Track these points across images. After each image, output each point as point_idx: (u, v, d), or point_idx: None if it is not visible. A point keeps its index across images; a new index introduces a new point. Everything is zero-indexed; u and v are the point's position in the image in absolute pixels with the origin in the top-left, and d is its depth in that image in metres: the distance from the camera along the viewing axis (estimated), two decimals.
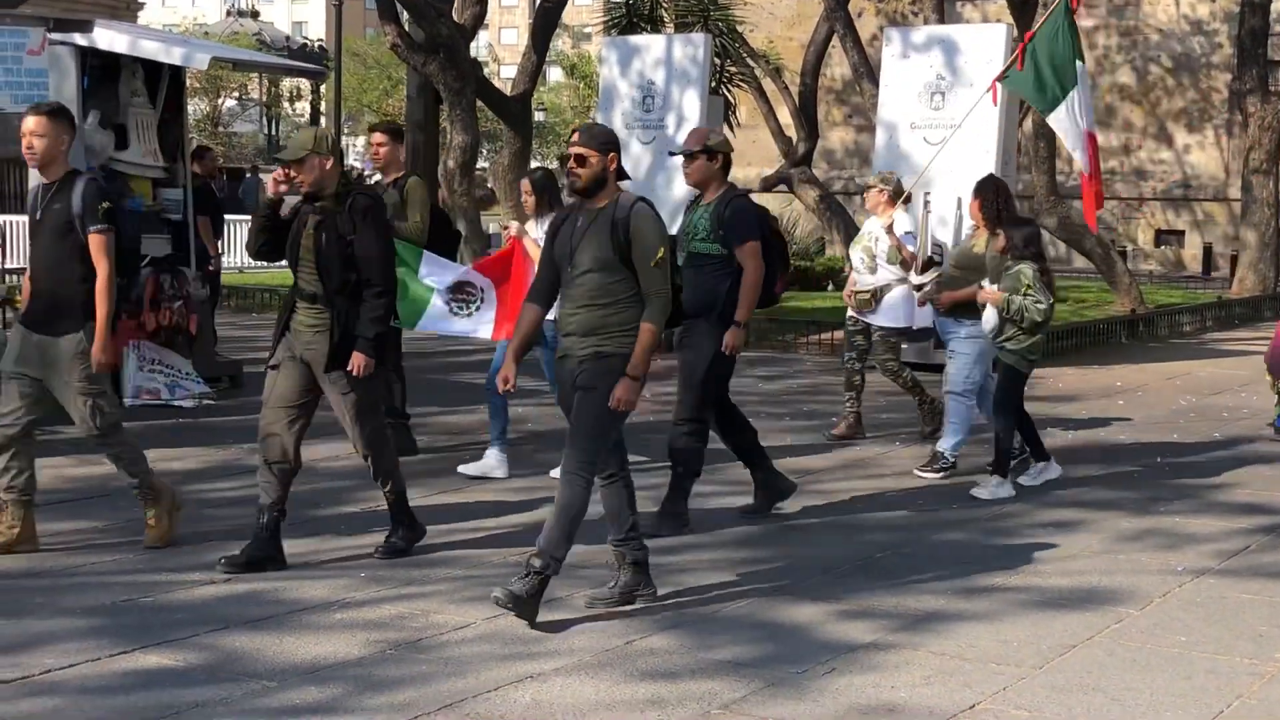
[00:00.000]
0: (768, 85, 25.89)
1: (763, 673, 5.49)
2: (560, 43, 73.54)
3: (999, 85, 10.92)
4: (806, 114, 23.84)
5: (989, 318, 8.70)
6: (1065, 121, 10.56)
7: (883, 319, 10.38)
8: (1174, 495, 8.78)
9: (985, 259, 8.97)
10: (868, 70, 19.19)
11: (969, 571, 6.98)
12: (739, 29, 25.53)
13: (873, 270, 10.39)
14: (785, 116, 25.15)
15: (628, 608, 6.24)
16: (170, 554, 7.02)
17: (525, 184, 9.15)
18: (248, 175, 38.32)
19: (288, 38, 64.17)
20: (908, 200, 10.56)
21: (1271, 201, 21.58)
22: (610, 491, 6.44)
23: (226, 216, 19.09)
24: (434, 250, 9.49)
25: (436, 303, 9.12)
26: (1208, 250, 30.05)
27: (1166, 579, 6.89)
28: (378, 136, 9.90)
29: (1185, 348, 16.88)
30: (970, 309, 8.92)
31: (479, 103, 20.59)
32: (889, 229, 10.30)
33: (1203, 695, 5.33)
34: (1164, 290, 23.40)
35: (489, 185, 27.95)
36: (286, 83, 57.20)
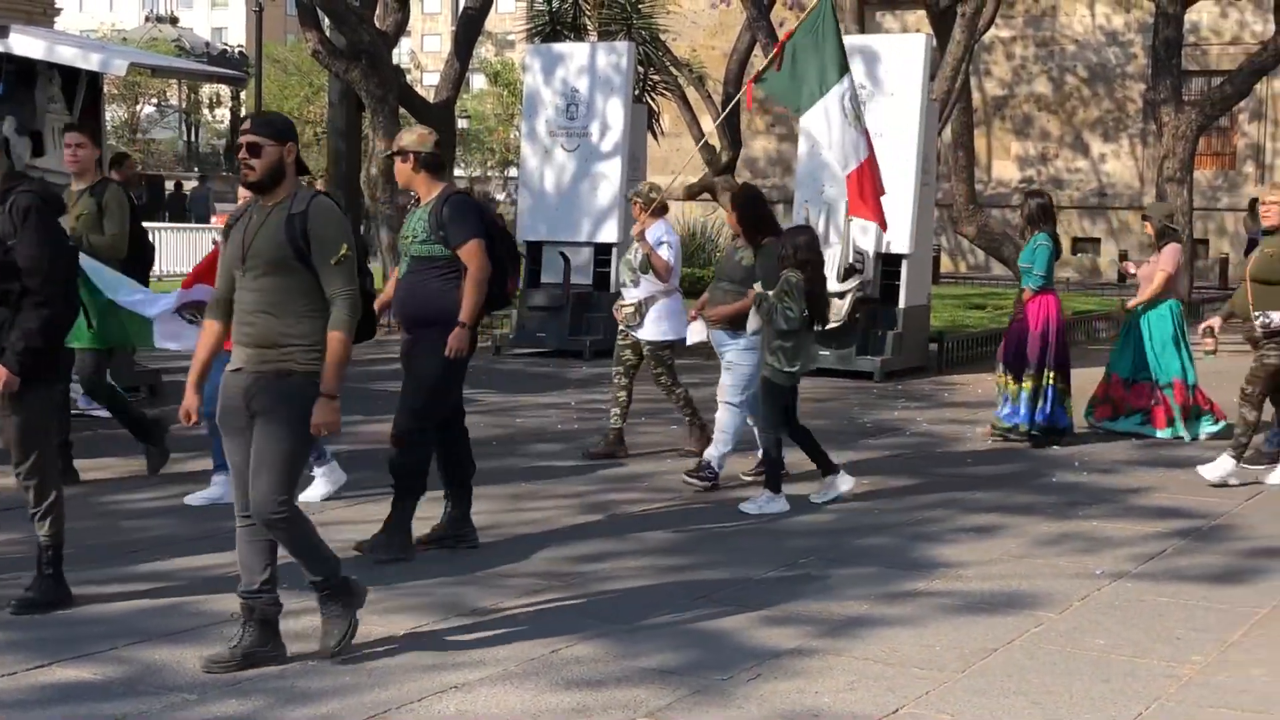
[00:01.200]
0: (691, 94, 25.98)
1: (688, 680, 5.50)
2: (484, 50, 73.38)
3: (754, 86, 11.04)
4: (730, 123, 23.95)
5: (751, 319, 8.64)
6: (824, 121, 10.63)
7: (650, 333, 9.85)
8: (1091, 499, 8.89)
9: (756, 269, 8.79)
10: None
11: (891, 576, 7.04)
12: (662, 37, 25.61)
13: (636, 283, 9.90)
14: (708, 125, 25.24)
15: (251, 671, 5.50)
16: (88, 566, 6.92)
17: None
18: (197, 184, 37.94)
19: (207, 43, 63.52)
20: (664, 210, 10.09)
21: (1185, 210, 21.91)
22: (249, 534, 5.67)
23: (145, 224, 18.88)
24: (128, 269, 9.03)
25: (164, 324, 8.57)
26: (1123, 257, 30.45)
27: (1085, 583, 6.97)
28: (74, 137, 9.23)
29: (1102, 354, 17.07)
30: (745, 320, 8.76)
31: (402, 110, 20.47)
32: (640, 236, 9.83)
33: (1121, 698, 5.40)
34: (1080, 297, 23.70)
35: (412, 193, 27.76)
36: (206, 89, 56.64)
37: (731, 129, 23.93)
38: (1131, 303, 11.33)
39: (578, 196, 15.69)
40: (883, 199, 10.85)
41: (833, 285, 13.72)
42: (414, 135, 7.37)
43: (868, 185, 10.62)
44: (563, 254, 15.46)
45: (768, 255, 8.77)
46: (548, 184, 15.85)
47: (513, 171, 54.74)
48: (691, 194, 24.87)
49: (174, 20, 63.23)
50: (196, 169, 52.25)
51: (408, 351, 7.33)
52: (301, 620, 6.16)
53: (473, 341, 7.24)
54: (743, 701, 5.29)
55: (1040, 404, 10.71)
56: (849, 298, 13.27)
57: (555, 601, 6.54)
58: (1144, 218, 11.62)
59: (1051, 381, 10.75)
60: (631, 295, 9.96)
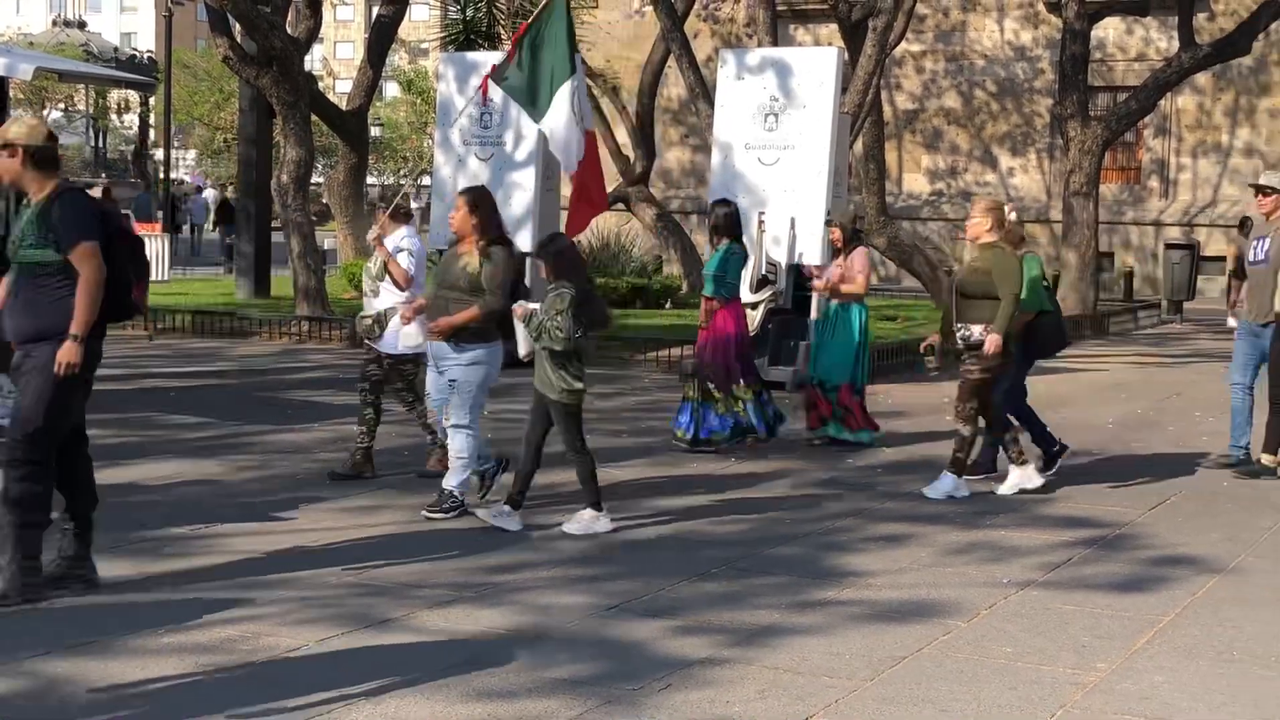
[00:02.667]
0: (605, 104, 26.01)
1: (599, 690, 5.50)
2: (397, 58, 72.99)
3: (490, 82, 11.18)
4: (643, 133, 24.01)
5: (522, 342, 8.16)
6: (556, 123, 10.74)
7: (390, 345, 9.25)
8: (999, 509, 8.99)
9: (482, 278, 8.24)
10: (703, 91, 19.38)
11: (802, 586, 7.08)
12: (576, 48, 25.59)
13: (376, 294, 9.42)
14: (623, 135, 25.29)
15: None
16: None
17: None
18: (200, 194, 37.54)
19: (116, 49, 62.67)
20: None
21: (1091, 223, 22.25)
22: None
23: None
24: None
25: None
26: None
27: (992, 591, 7.05)
28: None
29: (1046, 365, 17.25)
30: (472, 333, 8.25)
31: (314, 117, 20.34)
32: (377, 240, 9.34)
33: (1028, 705, 5.47)
34: None
35: (324, 200, 27.61)
36: (115, 94, 55.87)
37: (645, 139, 23.98)
38: (822, 287, 11.39)
39: None
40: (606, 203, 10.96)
41: (746, 296, 13.77)
42: (23, 127, 6.63)
43: (591, 185, 10.78)
44: None
45: (495, 261, 8.25)
46: None
47: (425, 180, 54.51)
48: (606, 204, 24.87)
49: (82, 25, 62.31)
50: (104, 175, 51.52)
51: (18, 367, 6.56)
52: (211, 631, 6.10)
53: (95, 355, 6.56)
54: (653, 711, 5.30)
55: (740, 411, 10.65)
56: (762, 308, 13.31)
57: (466, 612, 6.52)
58: (828, 223, 11.46)
59: (751, 391, 10.68)
60: (372, 306, 9.43)
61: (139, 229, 29.79)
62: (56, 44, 54.75)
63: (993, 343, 8.99)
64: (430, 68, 60.64)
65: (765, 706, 5.38)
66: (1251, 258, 10.47)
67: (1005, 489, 9.36)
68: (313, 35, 21.15)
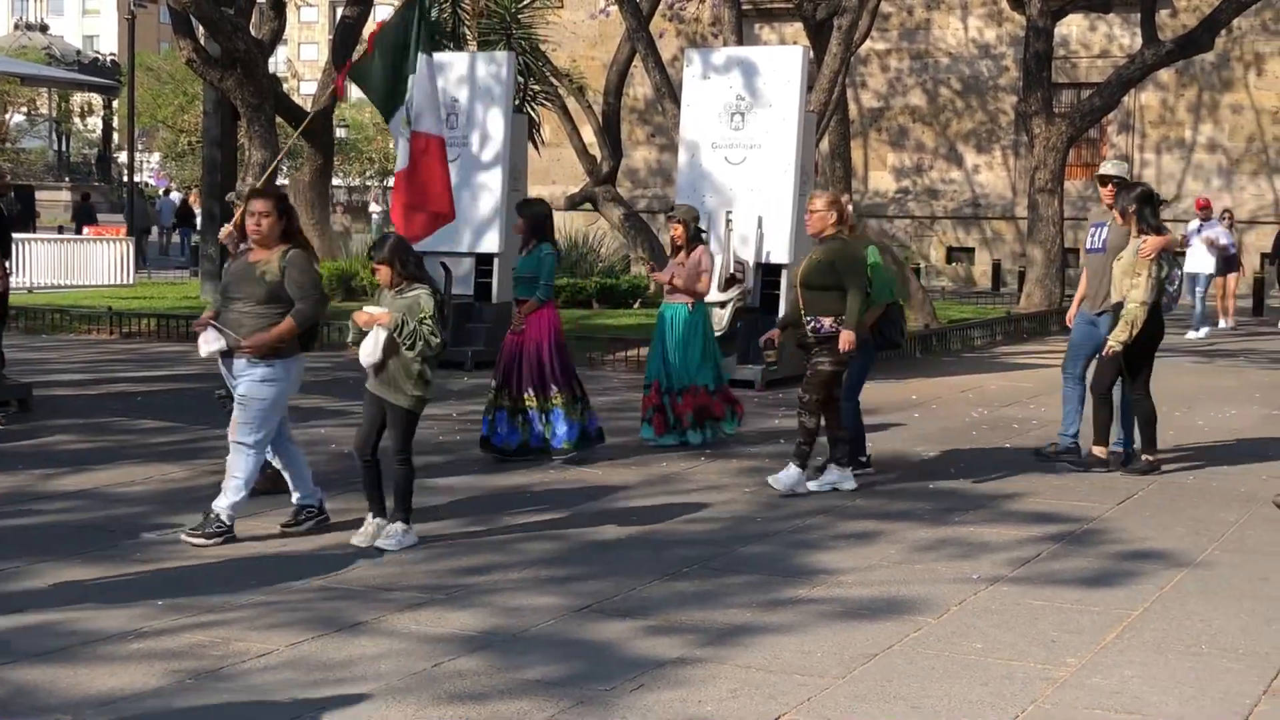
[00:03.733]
0: (571, 104, 26.00)
1: (571, 691, 5.50)
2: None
3: (347, 75, 11.25)
4: (610, 133, 24.00)
5: (369, 347, 7.57)
6: (396, 124, 10.80)
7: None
8: (968, 505, 9.02)
9: (287, 285, 7.63)
10: (669, 90, 19.39)
11: (772, 584, 7.09)
12: (542, 48, 25.60)
13: None
14: (589, 135, 25.28)
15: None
16: None
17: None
18: (169, 195, 37.35)
19: (79, 51, 62.32)
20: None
21: (1056, 220, 22.37)
22: None
23: (16, 235, 18.48)
24: None
25: None
26: (996, 267, 31.00)
27: (962, 587, 7.08)
28: None
29: (977, 361, 17.38)
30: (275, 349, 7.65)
31: (278, 119, 20.26)
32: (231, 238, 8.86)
33: (999, 700, 5.48)
34: (956, 306, 24.06)
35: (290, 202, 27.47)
36: (78, 97, 55.55)
37: (612, 139, 23.98)
38: (664, 279, 10.96)
39: (458, 207, 15.58)
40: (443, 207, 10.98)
41: (714, 295, 13.79)
42: None
43: (429, 191, 10.80)
44: (443, 264, 15.36)
45: (299, 265, 7.72)
46: None
47: (390, 181, 54.37)
48: (573, 204, 24.89)
49: (44, 28, 61.95)
50: (67, 179, 51.21)
51: None
52: (180, 638, 6.07)
53: None
54: (626, 712, 5.29)
55: (548, 420, 10.07)
56: (730, 307, 13.34)
57: (437, 614, 6.50)
58: (669, 218, 11.06)
59: (560, 399, 10.07)
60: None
61: (104, 232, 29.52)
62: (18, 47, 54.43)
63: (846, 339, 8.94)
64: None
65: (737, 705, 5.38)
66: (1089, 245, 10.43)
67: (818, 485, 9.24)
68: (277, 37, 21.09)
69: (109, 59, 62.15)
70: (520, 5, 25.13)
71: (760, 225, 14.04)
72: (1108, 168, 10.52)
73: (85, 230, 31.76)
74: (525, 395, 10.08)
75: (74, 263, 24.82)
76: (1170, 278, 9.94)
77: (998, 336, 19.66)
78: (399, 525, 7.72)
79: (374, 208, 49.49)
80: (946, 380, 15.22)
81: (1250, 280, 25.68)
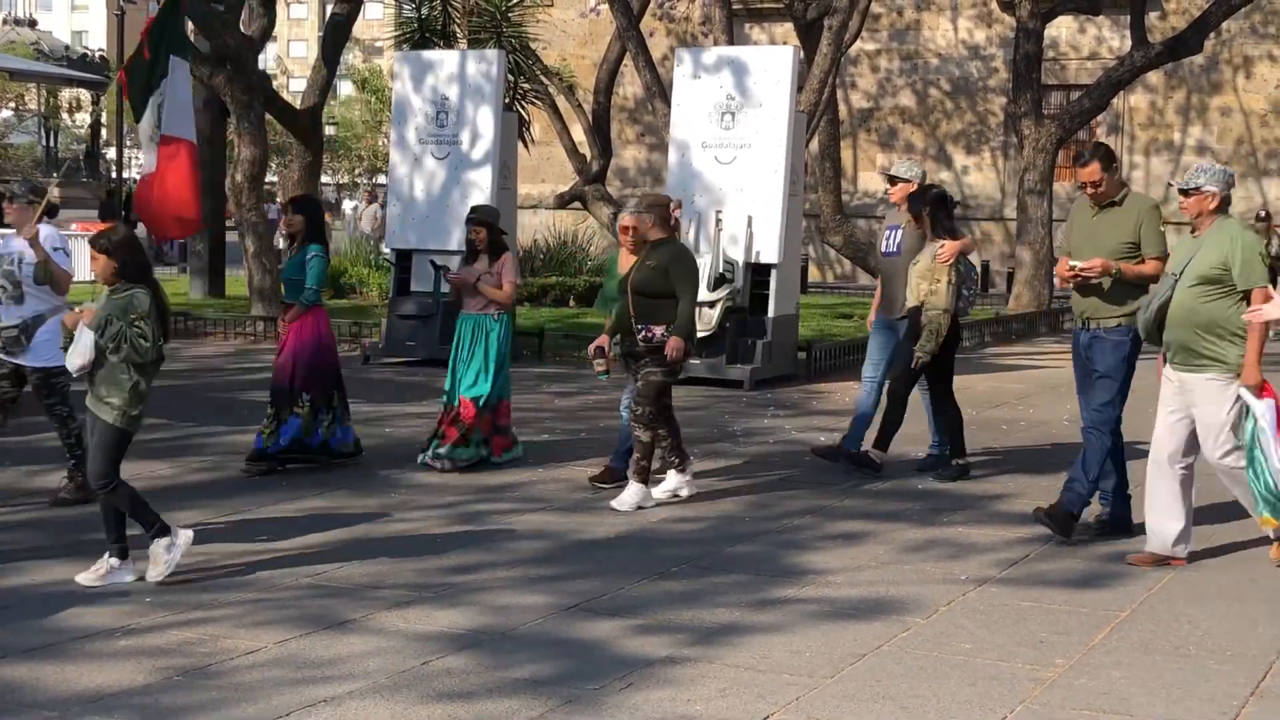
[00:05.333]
0: (561, 103, 25.98)
1: (560, 690, 5.49)
2: (351, 56, 72.72)
3: (125, 75, 11.27)
4: (600, 132, 23.99)
5: (76, 350, 6.91)
6: (144, 126, 10.79)
7: (41, 357, 8.29)
8: (956, 506, 9.03)
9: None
10: (660, 89, 19.40)
11: (761, 584, 7.09)
12: (532, 46, 25.58)
13: (19, 300, 8.36)
14: (579, 134, 25.26)
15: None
16: None
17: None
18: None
19: (67, 47, 62.12)
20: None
21: (1045, 221, 22.40)
22: None
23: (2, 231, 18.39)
24: None
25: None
26: (985, 268, 31.02)
27: (950, 588, 7.08)
28: None
29: (965, 362, 17.35)
30: None
31: (268, 116, 20.22)
32: (33, 241, 8.25)
33: (987, 701, 5.49)
34: None
35: (278, 200, 27.48)
36: (66, 93, 55.40)
37: (602, 138, 23.97)
38: (470, 282, 9.86)
39: (448, 205, 15.61)
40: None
41: (703, 294, 13.78)
42: None
43: (175, 197, 10.77)
44: (433, 262, 15.33)
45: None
46: (418, 192, 15.75)
47: (381, 179, 54.32)
48: (563, 202, 24.87)
49: (32, 23, 61.74)
50: (55, 175, 51.11)
51: None
52: (167, 635, 6.06)
53: None
54: (614, 711, 5.29)
55: (313, 428, 9.51)
56: (719, 307, 13.35)
57: (425, 613, 6.50)
58: (470, 221, 10.06)
59: (327, 404, 9.59)
60: (11, 316, 8.36)
61: (90, 228, 29.49)
62: (7, 43, 54.26)
63: (675, 346, 8.57)
64: (385, 66, 60.40)
65: (726, 705, 5.38)
66: (884, 249, 10.10)
67: (657, 493, 8.86)
68: (266, 34, 21.03)
69: (98, 55, 61.98)
70: (510, 3, 25.11)
71: (750, 225, 14.04)
72: (899, 169, 10.16)
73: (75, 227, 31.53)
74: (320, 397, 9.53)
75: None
76: (967, 282, 9.57)
77: (986, 338, 19.68)
78: (111, 561, 6.88)
79: (347, 204, 49.34)
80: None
81: None
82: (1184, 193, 7.46)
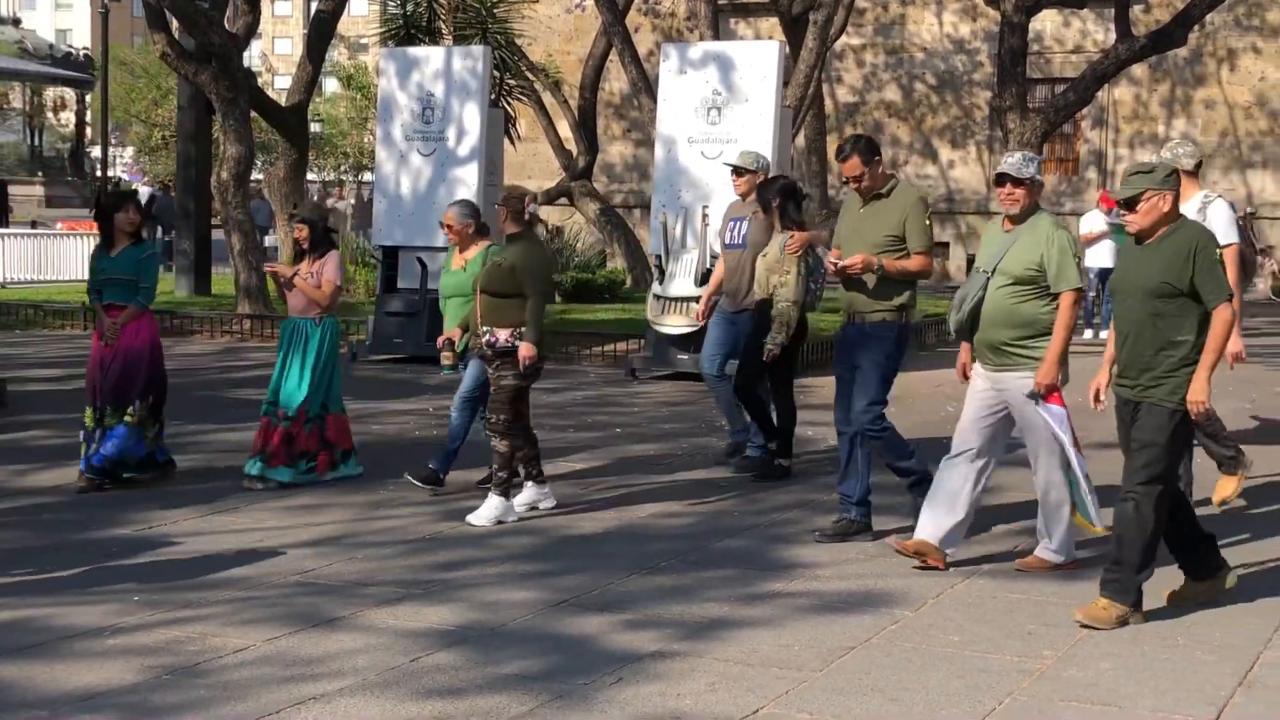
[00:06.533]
0: (547, 99, 25.99)
1: (550, 685, 5.50)
2: (336, 53, 72.55)
3: None
4: (586, 128, 23.99)
5: None
6: None
7: None
8: None
9: None
10: (646, 85, 19.39)
11: (750, 578, 7.10)
12: (518, 42, 25.57)
13: None
14: (565, 130, 25.26)
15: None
16: None
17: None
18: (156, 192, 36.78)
19: (51, 46, 61.88)
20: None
21: None
22: None
23: None
24: None
25: None
26: (970, 261, 31.04)
27: (939, 581, 7.09)
28: None
29: (950, 355, 17.38)
30: None
31: (253, 113, 20.17)
32: None
33: (975, 693, 5.50)
34: (931, 300, 24.10)
35: (265, 197, 27.44)
36: (51, 92, 55.24)
37: (588, 134, 23.97)
38: (301, 286, 9.31)
39: (434, 201, 15.58)
40: None
41: (690, 290, 13.80)
42: None
43: None
44: (419, 259, 15.36)
45: None
46: (404, 189, 15.74)
47: (367, 176, 54.23)
48: (549, 199, 24.86)
49: (16, 21, 61.53)
50: (40, 173, 50.94)
51: None
52: (156, 634, 6.05)
53: None
54: (605, 706, 5.30)
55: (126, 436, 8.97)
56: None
57: (414, 609, 6.49)
58: (293, 218, 9.70)
59: (156, 415, 9.14)
60: None
61: (79, 227, 29.36)
62: None
63: (527, 352, 8.06)
64: (370, 63, 60.29)
65: (716, 699, 5.39)
66: (728, 241, 9.83)
67: (518, 505, 8.41)
68: (251, 31, 20.97)
69: (82, 53, 61.77)
70: (496, 0, 25.10)
71: None
72: (743, 159, 9.89)
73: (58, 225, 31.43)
74: (106, 411, 8.98)
75: (48, 257, 24.72)
76: (816, 275, 9.18)
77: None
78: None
79: (331, 201, 49.20)
80: (921, 375, 15.24)
81: None
82: (1015, 182, 7.01)
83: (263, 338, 17.55)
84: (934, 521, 7.27)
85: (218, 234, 21.74)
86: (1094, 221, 20.37)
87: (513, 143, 24.02)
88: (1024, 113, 21.82)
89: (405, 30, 24.11)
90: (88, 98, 50.79)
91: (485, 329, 8.19)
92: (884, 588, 6.95)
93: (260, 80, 26.42)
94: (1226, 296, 6.30)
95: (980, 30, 30.83)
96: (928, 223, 7.89)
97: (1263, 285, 20.70)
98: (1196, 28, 23.47)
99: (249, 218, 19.50)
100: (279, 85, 68.90)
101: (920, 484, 7.92)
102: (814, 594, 6.84)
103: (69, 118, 55.14)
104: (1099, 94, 25.35)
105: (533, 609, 6.52)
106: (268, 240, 29.40)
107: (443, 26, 24.50)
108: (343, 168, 63.39)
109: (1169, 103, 30.05)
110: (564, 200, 24.50)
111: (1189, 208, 8.81)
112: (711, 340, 9.91)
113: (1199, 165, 8.96)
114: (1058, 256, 6.94)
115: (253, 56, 74.33)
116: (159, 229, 32.18)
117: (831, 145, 29.25)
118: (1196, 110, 29.84)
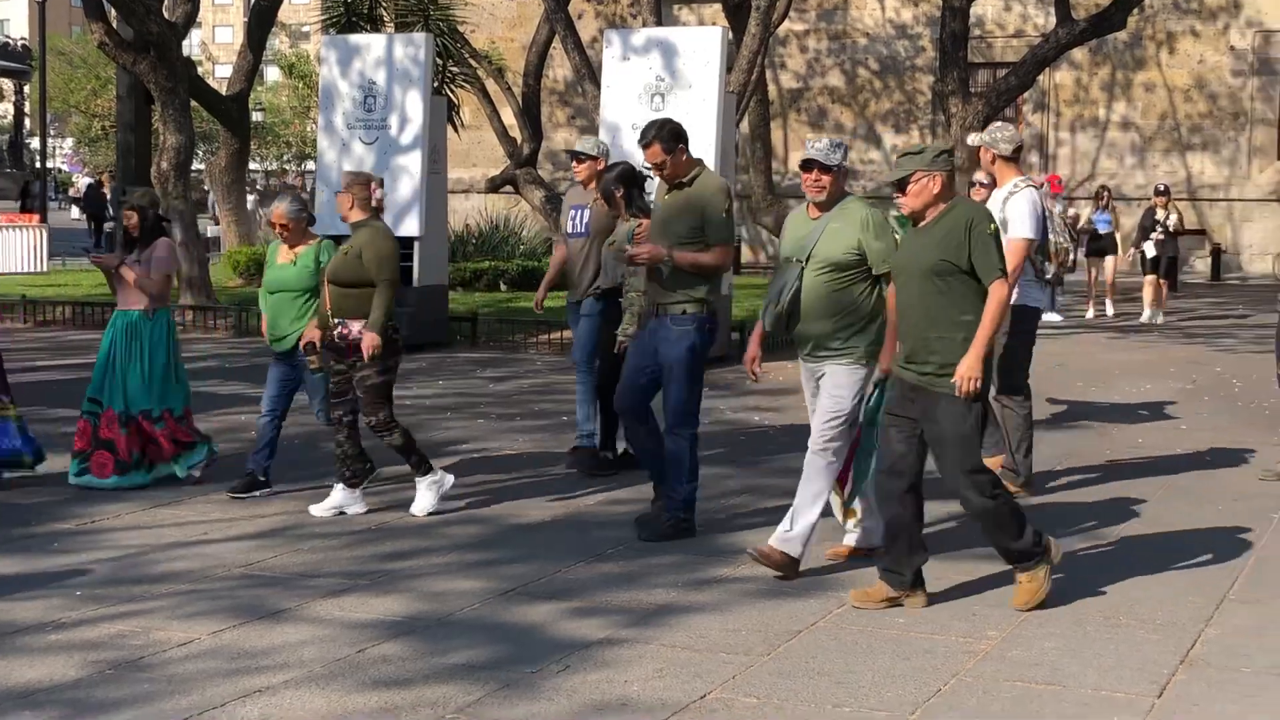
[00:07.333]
0: (491, 86, 25.87)
1: (497, 674, 5.49)
2: (278, 41, 72.02)
3: None
4: (530, 115, 23.91)
5: None
6: None
7: None
8: None
9: None
10: (589, 72, 19.35)
11: (697, 564, 7.11)
12: (460, 29, 25.43)
13: None
14: (509, 117, 25.17)
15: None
16: None
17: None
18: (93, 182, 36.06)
19: None
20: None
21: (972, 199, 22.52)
22: None
23: None
24: None
25: None
26: None
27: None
28: None
29: None
30: None
31: (193, 103, 20.00)
32: None
33: (921, 674, 5.54)
34: None
35: (205, 187, 27.20)
36: None
37: (532, 121, 23.90)
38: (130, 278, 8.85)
39: None
40: None
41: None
42: None
43: None
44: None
45: None
46: None
47: (310, 165, 53.89)
48: (494, 186, 24.78)
49: None
50: None
51: None
52: (99, 628, 6.00)
53: None
54: (552, 694, 5.29)
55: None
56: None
57: (360, 600, 6.47)
58: (123, 204, 9.20)
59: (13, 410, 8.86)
60: None
61: (17, 219, 29.02)
62: None
63: (370, 343, 7.78)
64: (312, 51, 59.89)
65: (663, 685, 5.40)
66: (569, 230, 9.55)
67: (321, 510, 8.14)
68: (191, 19, 20.80)
69: (20, 43, 61.09)
70: None
71: None
72: (584, 145, 9.53)
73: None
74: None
75: None
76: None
77: None
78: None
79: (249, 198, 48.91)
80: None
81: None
82: (823, 168, 6.80)
83: (205, 329, 17.44)
84: (801, 517, 6.94)
85: None
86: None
87: (456, 130, 23.91)
88: (966, 97, 21.91)
89: (347, 18, 23.93)
90: (26, 88, 50.26)
91: (337, 322, 7.96)
92: (829, 572, 6.97)
93: (200, 69, 26.20)
94: (1001, 272, 6.18)
95: (922, 15, 30.95)
96: (727, 214, 7.58)
97: (1053, 271, 20.18)
98: (1136, 11, 23.65)
99: (190, 208, 19.34)
100: (220, 74, 68.39)
101: (689, 505, 7.63)
102: (760, 579, 6.85)
103: (6, 109, 54.55)
104: (1040, 78, 25.51)
105: (479, 598, 6.51)
106: (212, 230, 29.17)
107: (384, 14, 24.36)
108: (285, 157, 62.99)
109: (1109, 86, 30.27)
110: (509, 188, 24.43)
111: (998, 194, 8.79)
112: (582, 332, 9.48)
113: (1018, 150, 8.81)
114: (876, 239, 6.73)
115: (192, 45, 73.69)
116: (89, 221, 31.82)
117: (775, 131, 29.34)
118: (1136, 93, 30.07)
